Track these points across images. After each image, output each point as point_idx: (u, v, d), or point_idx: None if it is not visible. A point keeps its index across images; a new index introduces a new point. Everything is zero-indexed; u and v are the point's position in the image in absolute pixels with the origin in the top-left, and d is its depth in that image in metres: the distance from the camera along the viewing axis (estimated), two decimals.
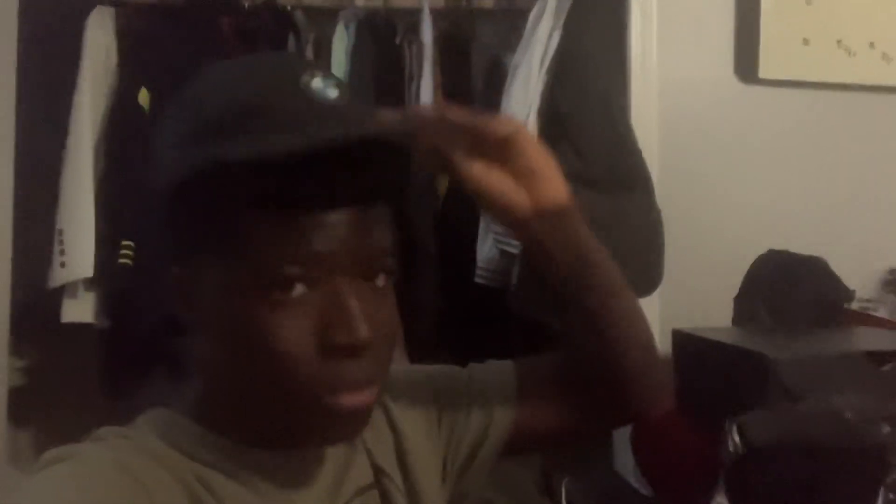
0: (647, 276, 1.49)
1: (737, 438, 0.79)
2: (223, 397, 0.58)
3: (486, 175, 0.62)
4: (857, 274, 1.40)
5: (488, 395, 0.69)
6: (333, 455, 0.62)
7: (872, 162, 1.59)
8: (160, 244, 0.62)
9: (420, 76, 1.82)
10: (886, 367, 0.88)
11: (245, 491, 0.56)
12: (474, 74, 1.88)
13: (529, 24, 1.65)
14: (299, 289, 0.52)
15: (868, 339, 1.06)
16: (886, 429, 0.66)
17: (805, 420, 0.79)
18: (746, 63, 1.56)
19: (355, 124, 0.54)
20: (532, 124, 1.55)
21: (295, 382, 0.52)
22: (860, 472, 0.66)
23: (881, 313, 1.51)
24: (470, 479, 0.71)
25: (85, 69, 1.71)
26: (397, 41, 1.88)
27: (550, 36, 1.60)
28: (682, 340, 1.18)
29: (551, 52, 1.58)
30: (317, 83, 0.54)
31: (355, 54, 1.81)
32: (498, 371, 0.72)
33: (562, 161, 1.59)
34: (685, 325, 1.30)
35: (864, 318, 1.32)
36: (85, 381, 1.73)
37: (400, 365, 0.68)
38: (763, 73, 1.55)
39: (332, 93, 0.54)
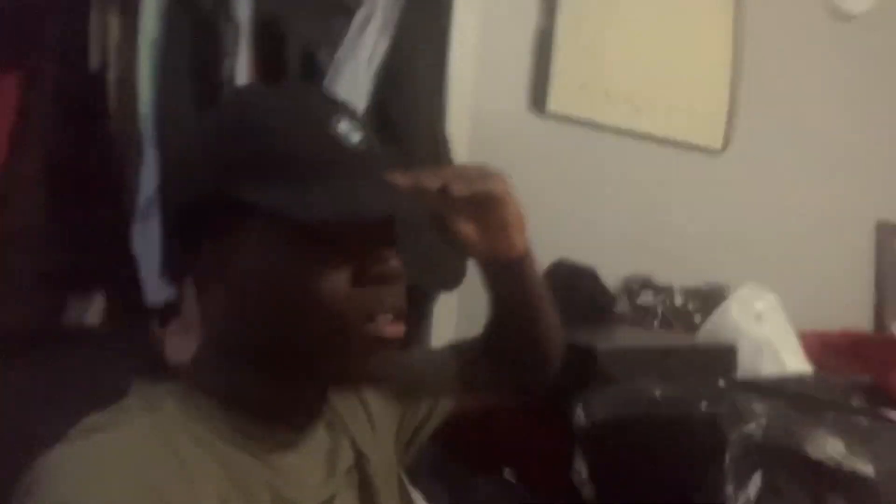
0: (452, 274, 1.67)
1: (582, 415, 1.00)
2: (241, 369, 0.61)
3: (472, 228, 0.77)
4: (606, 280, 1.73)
5: (433, 381, 0.80)
6: (325, 435, 0.68)
7: (620, 191, 1.97)
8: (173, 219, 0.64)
9: (235, 54, 1.78)
10: (668, 360, 1.16)
11: (267, 467, 0.60)
12: (289, 62, 1.88)
13: (356, 25, 1.73)
14: (334, 241, 0.59)
15: (647, 337, 1.36)
16: (704, 404, 0.91)
17: (629, 399, 1.02)
18: (539, 98, 1.83)
19: (377, 174, 0.63)
20: None
21: (337, 313, 0.58)
22: (696, 443, 0.89)
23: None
24: (408, 450, 0.81)
25: None
26: (209, 11, 1.81)
27: (377, 41, 1.69)
28: None
29: (378, 56, 1.68)
30: (343, 127, 0.61)
31: (168, 17, 1.71)
32: (440, 357, 0.83)
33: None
34: (479, 317, 1.51)
35: (620, 318, 1.65)
36: None
37: None
38: (551, 107, 1.83)
39: (356, 137, 0.61)
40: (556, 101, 1.84)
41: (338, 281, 0.59)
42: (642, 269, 1.93)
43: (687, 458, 0.87)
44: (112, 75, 1.61)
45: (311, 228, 0.58)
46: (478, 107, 1.76)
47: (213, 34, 1.78)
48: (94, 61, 1.60)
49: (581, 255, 1.69)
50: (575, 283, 1.57)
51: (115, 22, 1.68)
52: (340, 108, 0.62)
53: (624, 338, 1.34)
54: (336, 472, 0.67)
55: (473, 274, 1.65)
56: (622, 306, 1.90)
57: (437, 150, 1.63)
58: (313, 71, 1.91)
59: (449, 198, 0.71)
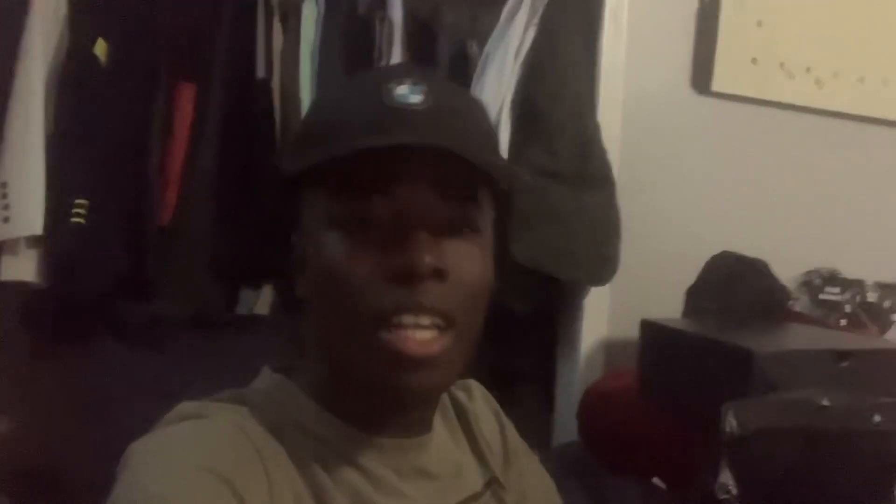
0: (604, 268, 1.59)
1: (734, 423, 0.90)
2: (329, 369, 0.60)
3: None
4: (783, 274, 1.57)
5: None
6: (443, 451, 0.65)
7: (800, 175, 1.78)
8: (285, 220, 0.65)
9: (389, 53, 1.83)
10: (844, 364, 1.02)
11: (357, 473, 0.58)
12: (440, 58, 1.90)
13: (504, 16, 1.71)
14: (374, 228, 0.55)
15: (824, 338, 1.21)
16: (877, 418, 0.78)
17: (789, 407, 0.91)
18: (702, 76, 1.69)
19: (424, 126, 0.56)
20: (504, 116, 1.61)
21: (360, 304, 0.54)
22: (863, 459, 0.77)
23: (797, 309, 1.70)
24: None
25: (33, 15, 1.60)
26: (364, 13, 1.88)
27: (526, 30, 1.65)
28: (651, 330, 1.30)
29: (526, 46, 1.64)
30: (401, 90, 0.57)
31: (325, 23, 1.79)
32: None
33: (533, 155, 1.66)
34: (631, 314, 1.42)
35: (796, 316, 1.49)
36: (20, 339, 1.64)
37: None
38: (716, 86, 1.69)
39: (415, 98, 0.56)
40: (722, 78, 1.69)
41: (360, 268, 0.54)
42: (826, 262, 1.72)
43: (850, 476, 0.75)
44: (276, 81, 1.72)
45: (355, 205, 0.55)
46: (633, 89, 1.66)
47: (368, 36, 1.85)
48: (260, 69, 1.71)
49: (752, 246, 1.54)
50: (742, 277, 1.44)
51: (279, 32, 1.79)
52: (403, 72, 0.59)
53: (795, 339, 1.19)
54: (450, 492, 0.63)
55: (627, 266, 1.59)
56: (802, 303, 1.72)
57: (581, 140, 1.56)
58: (464, 65, 1.92)
59: None
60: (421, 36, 1.89)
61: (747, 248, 1.51)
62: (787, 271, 1.61)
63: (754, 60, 1.69)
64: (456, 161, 0.54)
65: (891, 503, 0.71)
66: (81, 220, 1.56)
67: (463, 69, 1.88)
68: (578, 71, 1.63)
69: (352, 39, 1.80)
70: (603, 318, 1.67)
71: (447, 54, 1.92)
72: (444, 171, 0.56)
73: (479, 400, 0.74)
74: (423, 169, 0.56)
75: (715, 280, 1.43)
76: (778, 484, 0.82)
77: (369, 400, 0.58)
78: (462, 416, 0.71)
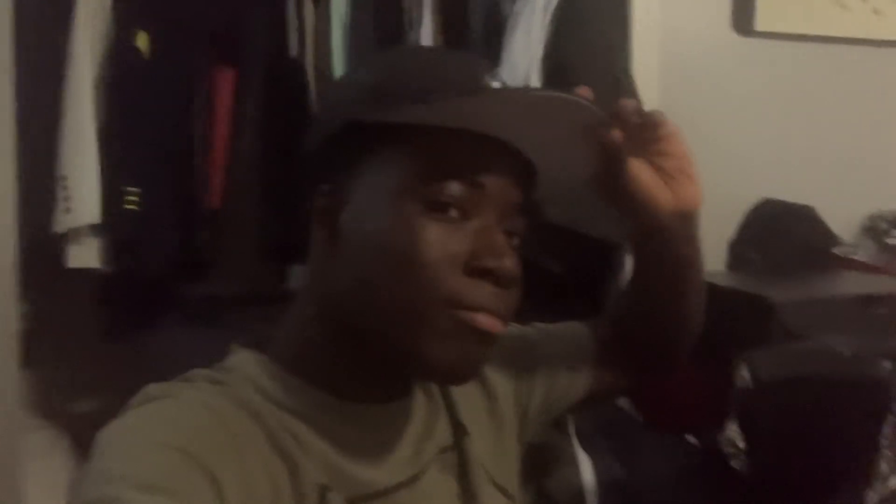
0: None
1: (746, 374, 0.86)
2: (327, 341, 0.59)
3: (642, 173, 0.66)
4: (839, 219, 1.48)
5: (569, 358, 0.75)
6: (419, 412, 0.64)
7: (858, 113, 1.66)
8: (303, 176, 0.63)
9: (420, 20, 1.82)
10: (881, 311, 0.96)
11: (332, 444, 0.57)
12: (473, 21, 1.88)
13: None
14: (453, 213, 0.56)
15: (858, 283, 1.14)
16: (888, 365, 0.73)
17: (807, 357, 0.87)
18: (744, 16, 1.60)
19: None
20: (535, 73, 1.58)
21: (439, 294, 0.54)
22: (863, 404, 0.73)
23: (860, 257, 1.60)
24: (533, 430, 0.76)
25: (80, 10, 1.68)
26: None
27: None
28: None
29: (554, 0, 1.60)
30: (496, 84, 0.59)
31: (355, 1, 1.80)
32: (580, 333, 0.78)
33: None
34: None
35: (849, 263, 1.40)
36: (91, 324, 1.76)
37: None
38: (760, 25, 1.59)
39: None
40: (767, 15, 1.59)
41: (452, 262, 0.55)
42: (889, 206, 1.61)
43: (851, 427, 0.71)
44: (309, 59, 1.74)
45: (444, 185, 0.55)
46: (670, 34, 1.59)
47: (398, 6, 1.84)
48: (292, 48, 1.74)
49: (804, 194, 1.46)
50: (785, 225, 1.37)
51: (310, 9, 1.81)
52: (488, 67, 0.61)
53: (826, 286, 1.12)
54: (425, 450, 0.63)
55: None
56: (867, 248, 1.62)
57: (616, 89, 1.51)
58: (497, 27, 1.89)
59: (627, 143, 0.63)
60: (451, 2, 1.87)
61: (798, 195, 1.44)
62: (846, 217, 1.52)
63: None
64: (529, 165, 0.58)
65: (876, 452, 0.66)
66: (135, 207, 1.64)
67: (497, 30, 1.85)
68: (610, 21, 1.57)
69: (382, 11, 1.80)
70: None
71: (480, 15, 1.89)
72: (525, 172, 0.59)
73: None
74: (513, 165, 0.58)
75: (758, 229, 1.37)
76: (787, 440, 0.78)
77: (365, 370, 0.59)
78: None
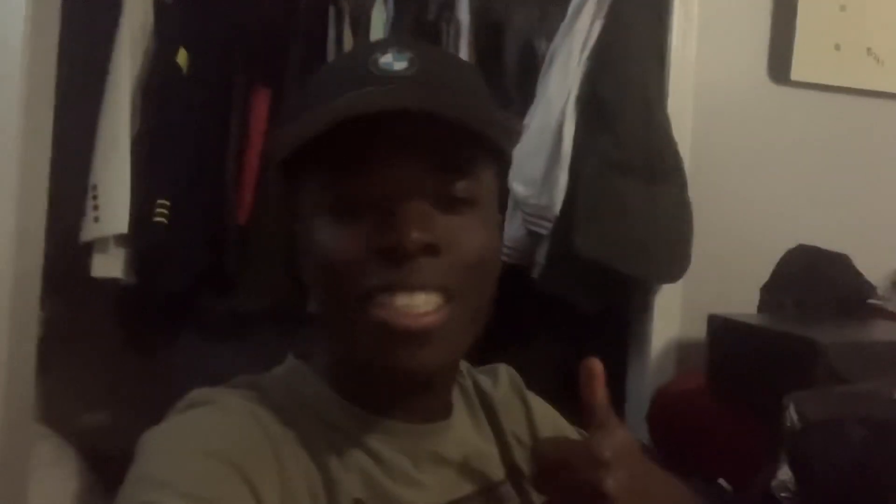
0: (675, 264, 1.54)
1: (794, 416, 0.85)
2: (336, 353, 0.59)
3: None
4: (870, 271, 1.47)
5: None
6: (466, 440, 0.63)
7: (889, 165, 1.67)
8: (285, 205, 0.64)
9: (456, 54, 1.84)
10: None
11: (368, 458, 0.57)
12: (508, 56, 1.91)
13: (571, 11, 1.69)
14: (347, 209, 0.53)
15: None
16: None
17: (855, 399, 0.85)
18: (779, 65, 1.62)
19: (407, 91, 0.54)
20: (570, 110, 1.59)
21: (348, 286, 0.52)
22: None
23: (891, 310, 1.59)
24: None
25: (123, 27, 1.71)
26: (432, 17, 1.90)
27: (592, 24, 1.63)
28: (719, 325, 1.24)
29: (593, 39, 1.62)
30: (385, 58, 0.55)
31: (394, 28, 1.83)
32: None
33: (601, 147, 1.63)
34: (706, 309, 1.36)
35: (882, 313, 1.39)
36: (110, 334, 1.75)
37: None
38: (795, 75, 1.61)
39: (400, 65, 0.55)
40: (802, 65, 1.61)
41: (352, 251, 0.52)
42: None
43: None
44: None
45: (340, 185, 0.53)
46: (706, 79, 1.61)
47: (435, 38, 1.87)
48: None
49: (834, 243, 1.45)
50: (821, 271, 1.36)
51: (349, 38, 1.84)
52: (389, 43, 0.57)
53: (868, 332, 1.11)
54: (466, 479, 0.60)
55: (700, 262, 1.53)
56: (892, 302, 1.61)
57: (650, 131, 1.52)
58: (532, 63, 1.91)
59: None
60: (488, 36, 1.90)
61: (829, 244, 1.43)
62: (874, 270, 1.51)
63: (837, 46, 1.60)
64: (445, 129, 0.52)
65: None
66: (164, 220, 1.64)
67: (531, 67, 1.88)
68: (647, 61, 1.59)
69: (420, 39, 1.82)
70: (675, 317, 1.61)
71: (515, 53, 1.92)
72: (433, 141, 0.53)
73: (506, 385, 0.71)
74: (411, 139, 0.53)
75: (792, 274, 1.36)
76: (840, 481, 0.76)
77: (375, 382, 0.57)
78: (485, 403, 0.68)
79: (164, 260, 1.66)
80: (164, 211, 1.64)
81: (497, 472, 0.63)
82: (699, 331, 1.38)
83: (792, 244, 1.43)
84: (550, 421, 0.71)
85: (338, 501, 0.54)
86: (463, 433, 0.63)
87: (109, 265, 1.68)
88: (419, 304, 0.52)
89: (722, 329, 1.21)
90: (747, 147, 1.62)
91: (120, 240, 1.67)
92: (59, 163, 1.62)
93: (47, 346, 1.75)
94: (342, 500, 0.54)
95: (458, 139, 0.54)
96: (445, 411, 0.62)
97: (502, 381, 0.71)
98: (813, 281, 1.32)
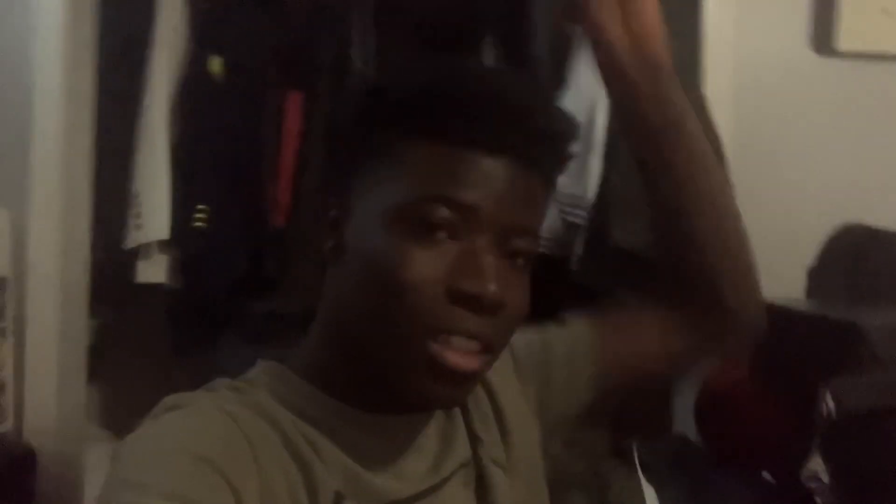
0: None
1: (831, 404, 0.80)
2: (338, 353, 0.58)
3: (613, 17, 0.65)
4: None
5: (571, 353, 0.69)
6: (438, 426, 0.63)
7: None
8: (320, 185, 0.64)
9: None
10: None
11: (348, 452, 0.56)
12: (538, 44, 1.87)
13: None
14: (441, 235, 0.53)
15: None
16: None
17: None
18: (823, 35, 1.54)
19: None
20: (602, 96, 1.55)
21: (416, 316, 0.52)
22: None
23: None
24: (559, 437, 0.70)
25: (158, 36, 1.75)
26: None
27: None
28: None
29: None
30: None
31: None
32: (574, 327, 0.71)
33: None
34: None
35: None
36: (157, 339, 1.79)
37: None
38: (841, 45, 1.52)
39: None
40: (848, 34, 1.53)
41: (431, 284, 0.52)
42: None
43: None
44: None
45: (429, 207, 0.53)
46: (745, 54, 1.54)
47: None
48: (358, 72, 1.77)
49: (886, 219, 1.38)
50: (870, 251, 1.29)
51: (373, 42, 1.84)
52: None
53: None
54: (443, 464, 0.61)
55: None
56: None
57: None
58: (562, 48, 1.87)
59: None
60: (516, 23, 1.87)
61: (879, 223, 1.35)
62: None
63: (885, 11, 1.51)
64: (533, 180, 0.56)
65: None
66: (203, 225, 1.68)
67: (562, 53, 1.83)
68: (679, 38, 1.53)
69: None
70: None
71: (545, 39, 1.88)
72: (526, 193, 0.56)
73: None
74: (519, 182, 0.55)
75: (840, 256, 1.30)
76: (877, 477, 0.71)
77: (380, 389, 0.57)
78: None
79: (204, 264, 1.69)
80: (203, 216, 1.68)
81: (465, 448, 0.63)
82: None
83: (843, 222, 1.36)
84: (535, 349, 0.69)
85: (318, 495, 0.54)
86: (436, 419, 0.63)
87: (153, 271, 1.72)
88: (471, 349, 0.54)
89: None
90: (792, 124, 1.54)
91: (162, 246, 1.72)
92: (101, 172, 1.68)
93: (100, 352, 1.81)
94: (323, 494, 0.54)
95: (537, 193, 0.57)
96: None
97: None
98: (862, 262, 1.25)
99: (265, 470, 0.52)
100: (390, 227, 0.54)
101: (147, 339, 1.82)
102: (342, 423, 0.57)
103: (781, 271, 1.38)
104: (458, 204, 0.53)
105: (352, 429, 0.57)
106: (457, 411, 0.64)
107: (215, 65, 1.75)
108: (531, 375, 0.69)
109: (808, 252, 1.36)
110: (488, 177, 0.54)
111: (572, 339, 0.70)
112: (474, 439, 0.64)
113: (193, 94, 1.74)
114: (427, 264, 0.53)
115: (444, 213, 0.53)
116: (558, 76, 1.77)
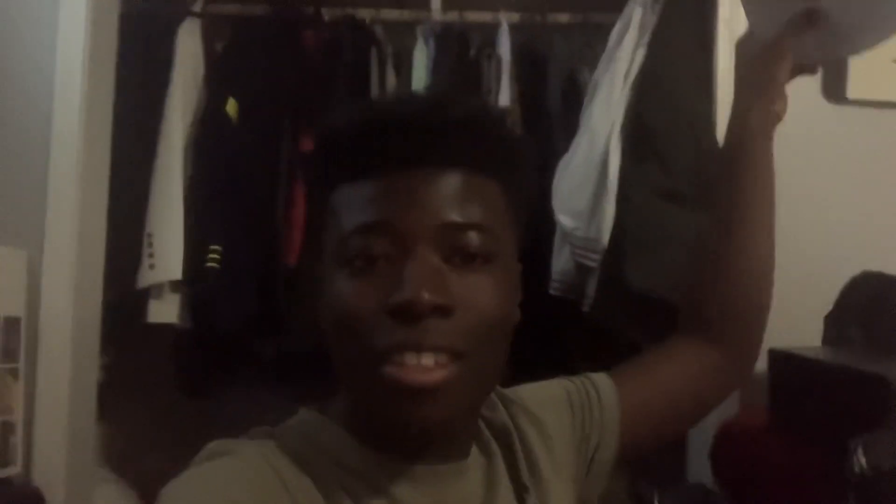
0: None
1: (863, 460, 0.79)
2: (353, 400, 0.58)
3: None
4: None
5: (595, 405, 0.71)
6: (478, 474, 0.62)
7: None
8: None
9: (498, 89, 1.85)
10: None
11: (387, 501, 0.56)
12: (550, 89, 1.89)
13: (612, 40, 1.67)
14: (381, 264, 0.53)
15: None
16: None
17: None
18: (835, 83, 1.55)
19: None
20: (615, 140, 1.56)
21: (364, 344, 0.52)
22: None
23: None
24: (590, 486, 0.71)
25: (175, 78, 1.77)
26: (473, 54, 1.91)
27: (635, 51, 1.60)
28: (780, 359, 1.18)
29: (636, 67, 1.59)
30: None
31: (435, 67, 1.85)
32: (597, 381, 0.73)
33: (648, 176, 1.59)
34: (768, 343, 1.30)
35: None
36: (166, 379, 1.78)
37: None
38: (852, 93, 1.54)
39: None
40: (859, 83, 1.54)
41: (365, 308, 0.53)
42: None
43: None
44: None
45: (356, 240, 0.54)
46: None
47: (476, 74, 1.87)
48: None
49: None
50: (889, 300, 1.28)
51: (392, 78, 1.86)
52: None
53: None
54: None
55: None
56: None
57: (699, 157, 1.48)
58: (574, 93, 1.89)
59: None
60: (530, 70, 1.90)
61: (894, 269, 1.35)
62: None
63: None
64: (456, 179, 0.55)
65: None
66: (216, 265, 1.68)
67: (574, 99, 1.86)
68: (692, 86, 1.55)
69: (461, 78, 1.83)
70: None
71: (557, 85, 1.91)
72: (446, 192, 0.54)
73: (499, 405, 0.69)
74: (424, 191, 0.54)
75: (857, 303, 1.29)
76: None
77: (392, 432, 0.56)
78: (494, 430, 0.67)
79: (216, 304, 1.69)
80: (216, 256, 1.68)
81: (509, 497, 0.63)
82: (761, 363, 1.31)
83: (856, 271, 1.36)
84: (544, 400, 0.70)
85: None
86: (477, 468, 0.62)
87: (165, 310, 1.72)
88: (428, 364, 0.52)
89: (784, 364, 1.15)
90: (805, 170, 1.55)
91: (174, 286, 1.72)
92: (116, 212, 1.68)
93: (107, 391, 1.80)
94: None
95: (470, 190, 0.55)
96: (464, 451, 0.61)
97: (496, 403, 0.69)
98: (880, 310, 1.25)
99: None
100: (336, 269, 0.55)
101: (156, 379, 1.81)
102: (381, 473, 0.57)
103: (798, 317, 1.38)
104: (367, 227, 0.54)
105: (390, 480, 0.57)
106: (499, 459, 0.64)
107: (231, 107, 1.77)
108: (575, 415, 0.70)
109: (824, 298, 1.35)
110: (395, 192, 0.54)
111: (599, 390, 0.72)
112: (520, 487, 0.63)
113: (208, 134, 1.76)
114: (366, 293, 0.53)
115: (363, 241, 0.54)
116: (570, 122, 1.79)
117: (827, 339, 1.32)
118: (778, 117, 0.84)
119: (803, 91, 1.60)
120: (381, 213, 0.54)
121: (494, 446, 0.65)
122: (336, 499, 0.55)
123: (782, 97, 0.83)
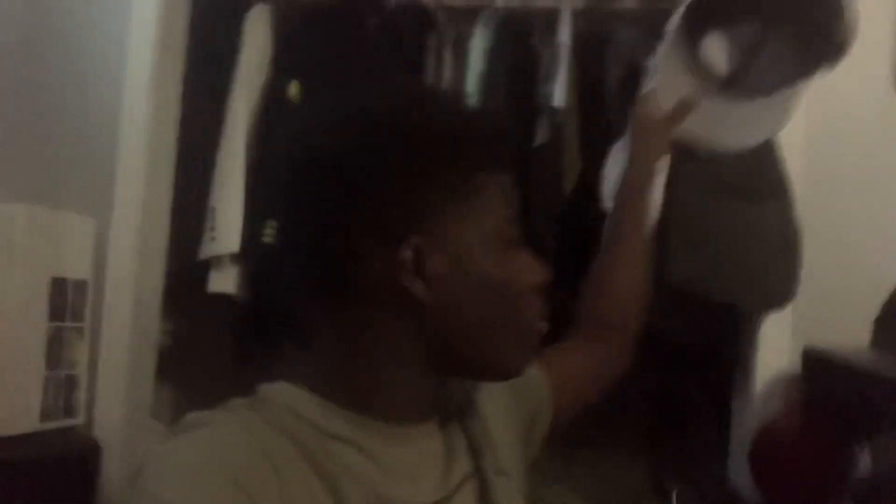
0: (781, 288, 1.42)
1: (868, 460, 0.76)
2: (365, 365, 0.61)
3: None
4: None
5: (532, 382, 0.81)
6: (442, 437, 0.66)
7: None
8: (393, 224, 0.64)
9: (555, 77, 1.83)
10: None
11: (369, 461, 0.59)
12: (610, 76, 1.86)
13: (669, 28, 1.62)
14: (514, 244, 0.66)
15: None
16: None
17: None
18: None
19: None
20: None
21: (527, 311, 0.66)
22: None
23: None
24: (529, 450, 0.79)
25: (243, 62, 1.85)
26: (535, 42, 1.90)
27: None
28: (813, 359, 1.13)
29: None
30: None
31: (492, 54, 1.85)
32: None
33: (694, 167, 1.54)
34: (818, 340, 1.24)
35: None
36: (224, 347, 1.87)
37: None
38: None
39: None
40: None
41: (531, 282, 0.66)
42: None
43: None
44: None
45: (505, 224, 0.65)
46: (821, 90, 1.48)
47: (533, 61, 1.86)
48: None
49: None
50: None
51: (450, 64, 1.88)
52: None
53: None
54: (451, 474, 0.64)
55: (811, 289, 1.39)
56: None
57: (755, 148, 1.42)
58: (634, 81, 1.84)
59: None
60: (590, 57, 1.86)
61: None
62: None
63: None
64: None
65: None
66: (271, 240, 1.75)
67: (634, 86, 1.81)
68: None
69: (517, 64, 1.83)
70: (782, 348, 1.49)
71: (617, 73, 1.87)
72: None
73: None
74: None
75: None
76: None
77: (413, 391, 0.63)
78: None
79: (270, 277, 1.76)
80: (272, 231, 1.75)
81: (467, 463, 0.66)
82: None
83: None
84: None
85: None
86: (438, 427, 0.67)
87: (224, 281, 1.81)
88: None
89: (816, 364, 1.10)
90: (868, 164, 1.47)
91: (234, 258, 1.80)
92: (182, 186, 1.78)
93: (170, 355, 1.91)
94: None
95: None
96: (431, 410, 0.66)
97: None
98: None
99: (290, 487, 0.54)
100: (494, 248, 0.63)
101: (215, 344, 1.90)
102: (366, 434, 0.60)
103: (853, 317, 1.31)
104: (514, 219, 0.66)
105: (375, 440, 0.60)
106: (456, 425, 0.68)
107: (294, 89, 1.83)
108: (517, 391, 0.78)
109: (875, 298, 1.28)
110: (513, 186, 0.67)
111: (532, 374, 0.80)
112: (476, 451, 0.67)
113: (271, 116, 1.83)
114: (523, 267, 0.66)
115: (512, 227, 0.65)
116: (627, 107, 1.75)
117: (875, 341, 1.26)
118: (648, 178, 1.07)
119: (871, 80, 1.52)
120: (513, 209, 0.66)
121: (451, 409, 0.69)
122: (318, 462, 0.57)
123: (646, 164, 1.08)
